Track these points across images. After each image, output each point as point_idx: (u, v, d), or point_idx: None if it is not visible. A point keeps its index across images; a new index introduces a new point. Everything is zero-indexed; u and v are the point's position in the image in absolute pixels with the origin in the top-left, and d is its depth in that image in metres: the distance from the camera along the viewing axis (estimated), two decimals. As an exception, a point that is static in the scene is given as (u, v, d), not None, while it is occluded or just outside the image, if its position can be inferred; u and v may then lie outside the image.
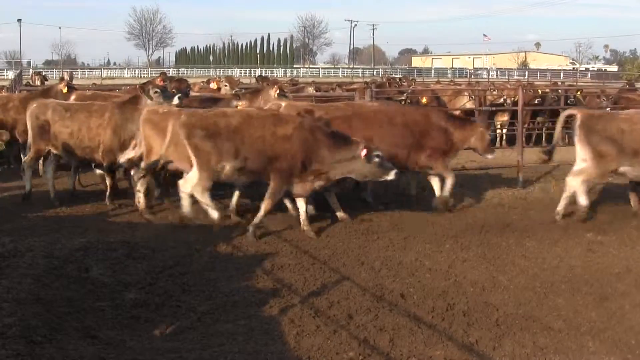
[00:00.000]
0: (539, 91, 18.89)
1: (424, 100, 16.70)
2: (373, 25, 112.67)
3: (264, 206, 8.38)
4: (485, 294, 6.55)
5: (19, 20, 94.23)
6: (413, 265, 7.39)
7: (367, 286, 6.64)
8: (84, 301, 6.06)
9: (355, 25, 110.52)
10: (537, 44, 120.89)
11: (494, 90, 19.10)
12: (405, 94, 16.61)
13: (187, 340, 5.39)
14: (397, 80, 27.92)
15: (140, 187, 9.12)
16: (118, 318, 5.77)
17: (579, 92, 18.45)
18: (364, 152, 8.16)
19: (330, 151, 8.29)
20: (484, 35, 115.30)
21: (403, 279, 6.93)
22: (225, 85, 14.81)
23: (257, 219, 8.42)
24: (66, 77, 13.24)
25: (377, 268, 7.26)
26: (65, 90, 11.92)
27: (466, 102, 17.56)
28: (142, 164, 9.09)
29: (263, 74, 52.01)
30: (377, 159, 8.25)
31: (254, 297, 6.30)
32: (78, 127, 9.61)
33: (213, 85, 15.04)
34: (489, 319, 5.90)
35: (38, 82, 24.16)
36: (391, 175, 8.35)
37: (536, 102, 17.24)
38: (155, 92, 9.26)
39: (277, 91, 11.07)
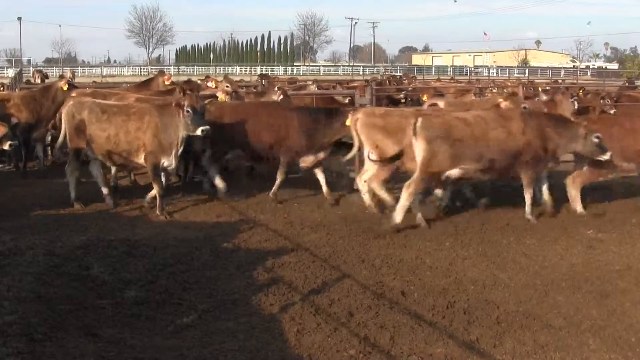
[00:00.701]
0: (539, 89, 18.88)
1: (425, 97, 16.71)
2: (373, 23, 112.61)
3: (528, 196, 9.01)
4: (485, 291, 6.55)
5: (19, 19, 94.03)
6: (413, 263, 7.39)
7: (367, 284, 6.64)
8: (85, 299, 6.06)
9: (356, 23, 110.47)
10: (538, 42, 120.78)
11: (494, 88, 19.09)
12: (403, 92, 16.59)
13: (187, 338, 5.39)
14: (397, 78, 27.90)
15: (367, 194, 9.32)
16: (119, 316, 5.77)
17: (581, 90, 18.46)
18: (584, 132, 8.88)
19: (558, 135, 8.97)
20: (484, 33, 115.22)
21: (403, 276, 6.93)
22: (227, 86, 14.80)
23: (528, 208, 9.07)
24: (69, 74, 13.21)
25: (377, 266, 7.27)
26: (66, 87, 11.87)
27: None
28: (367, 167, 9.27)
29: (263, 72, 52.13)
30: (596, 140, 8.91)
31: (255, 295, 6.30)
32: (115, 131, 9.32)
33: (211, 84, 14.97)
34: (490, 316, 5.91)
35: (38, 80, 24.14)
36: (606, 156, 8.97)
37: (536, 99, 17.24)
38: (187, 111, 8.90)
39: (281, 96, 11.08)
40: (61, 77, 12.90)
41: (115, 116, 9.40)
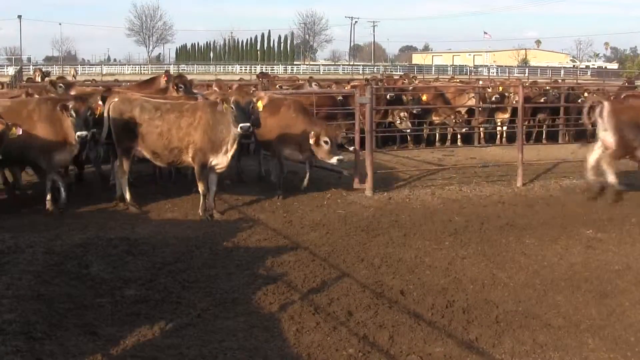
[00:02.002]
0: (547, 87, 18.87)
1: (425, 97, 16.72)
2: (373, 22, 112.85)
3: None
4: (485, 291, 6.55)
5: (19, 17, 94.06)
6: (413, 262, 7.39)
7: (366, 283, 6.64)
8: (84, 297, 6.06)
9: (356, 22, 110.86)
10: (538, 42, 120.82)
11: (489, 88, 19.06)
12: (389, 94, 16.51)
13: (187, 336, 5.39)
14: (392, 77, 27.84)
15: None
16: (118, 314, 5.77)
17: (585, 93, 18.44)
18: None
19: None
20: (484, 32, 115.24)
21: (403, 276, 6.93)
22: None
23: None
24: (72, 72, 13.16)
25: (376, 265, 7.27)
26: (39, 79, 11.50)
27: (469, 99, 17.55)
28: None
29: (263, 71, 52.13)
30: None
31: (254, 293, 6.30)
32: (168, 127, 9.14)
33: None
34: (489, 316, 5.91)
35: (39, 79, 24.14)
36: None
37: (542, 100, 17.22)
38: (231, 107, 8.71)
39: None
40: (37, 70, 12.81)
41: (168, 113, 9.24)
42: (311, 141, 9.96)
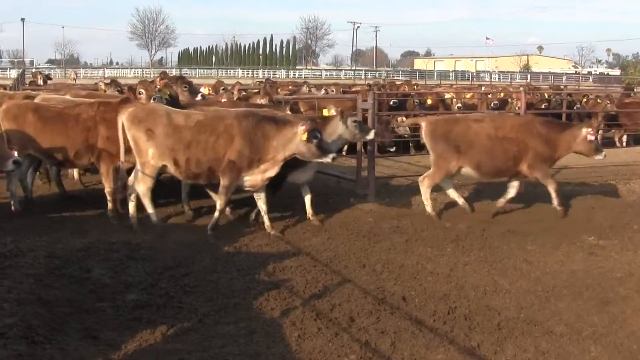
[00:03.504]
0: (546, 95, 18.85)
1: (429, 101, 16.73)
2: (376, 27, 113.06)
3: None
4: (486, 297, 6.54)
5: (22, 20, 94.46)
6: (415, 268, 7.38)
7: (368, 289, 6.63)
8: (85, 302, 6.06)
9: (358, 27, 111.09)
10: (540, 47, 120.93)
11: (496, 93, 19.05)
12: (392, 101, 16.53)
13: (188, 342, 5.39)
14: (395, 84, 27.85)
15: None
16: (119, 319, 5.77)
17: (585, 98, 18.43)
18: None
19: None
20: (487, 38, 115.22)
21: (404, 282, 6.93)
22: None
23: None
24: (73, 75, 13.20)
25: (378, 271, 7.26)
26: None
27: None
28: None
29: (266, 75, 52.20)
30: None
31: (256, 299, 6.29)
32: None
33: (204, 90, 14.62)
34: (491, 322, 5.89)
35: (41, 82, 24.17)
36: None
37: (543, 106, 17.20)
38: (316, 136, 8.13)
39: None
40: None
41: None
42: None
